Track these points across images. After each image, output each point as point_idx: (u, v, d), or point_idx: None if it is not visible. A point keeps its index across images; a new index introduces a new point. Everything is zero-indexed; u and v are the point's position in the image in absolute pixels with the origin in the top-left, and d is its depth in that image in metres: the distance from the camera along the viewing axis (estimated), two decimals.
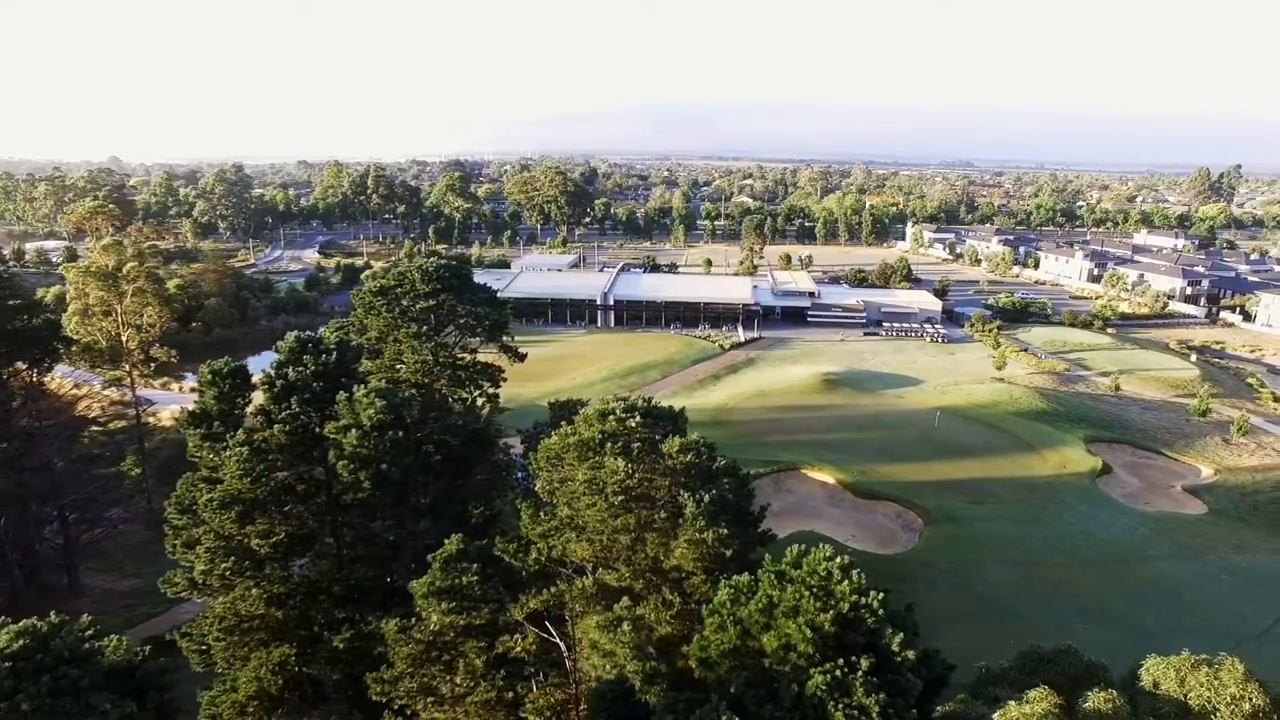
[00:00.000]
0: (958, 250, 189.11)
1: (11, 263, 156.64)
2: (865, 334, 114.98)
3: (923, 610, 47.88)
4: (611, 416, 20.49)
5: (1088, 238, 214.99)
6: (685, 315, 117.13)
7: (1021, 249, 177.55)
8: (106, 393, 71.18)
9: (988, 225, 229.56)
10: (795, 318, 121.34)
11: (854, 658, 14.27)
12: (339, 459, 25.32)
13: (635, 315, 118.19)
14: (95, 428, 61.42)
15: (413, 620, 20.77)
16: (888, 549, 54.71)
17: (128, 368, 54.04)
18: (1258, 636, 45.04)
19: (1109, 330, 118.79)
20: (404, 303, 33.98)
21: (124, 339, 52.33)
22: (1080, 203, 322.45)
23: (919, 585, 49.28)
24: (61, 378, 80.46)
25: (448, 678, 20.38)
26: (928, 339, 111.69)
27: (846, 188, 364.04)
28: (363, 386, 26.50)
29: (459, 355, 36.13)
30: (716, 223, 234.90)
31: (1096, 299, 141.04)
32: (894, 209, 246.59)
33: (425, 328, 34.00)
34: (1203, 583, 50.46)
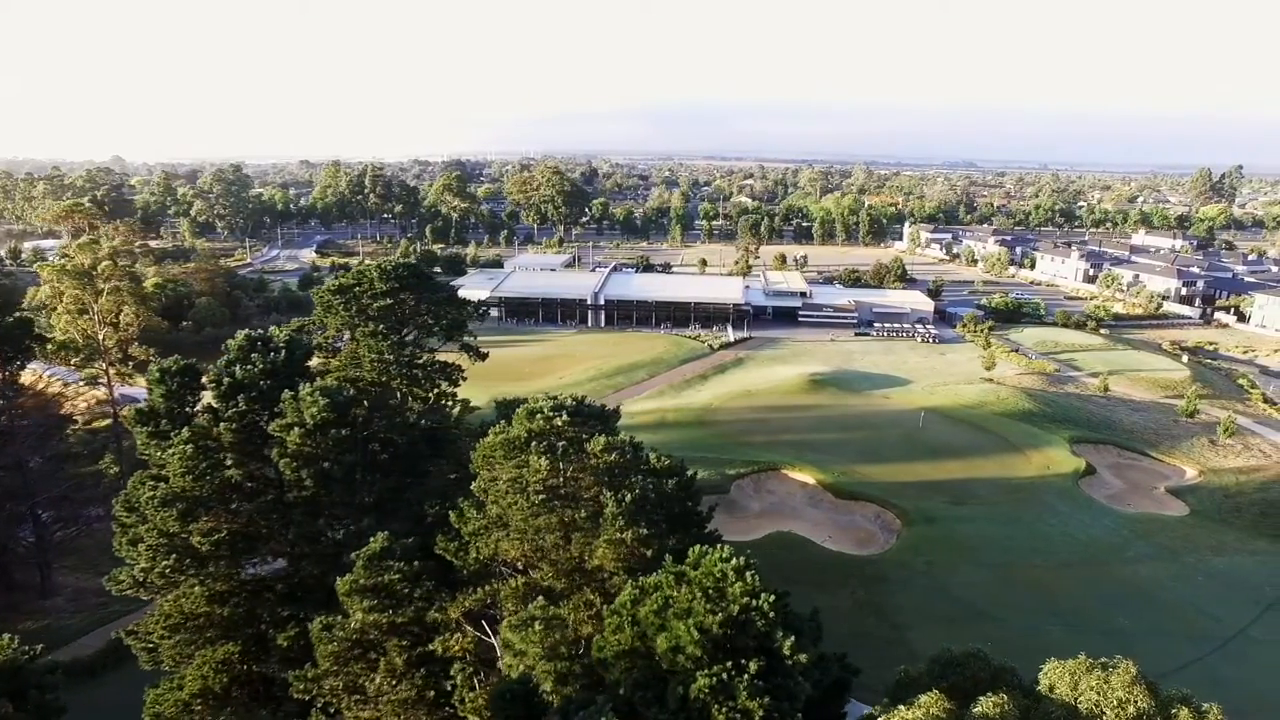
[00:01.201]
0: (954, 250, 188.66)
1: (7, 262, 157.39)
2: (856, 334, 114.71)
3: (894, 611, 48.25)
4: (539, 415, 20.37)
5: (1086, 238, 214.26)
6: (676, 315, 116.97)
7: (1018, 249, 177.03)
8: (94, 392, 71.34)
9: (985, 226, 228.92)
10: (787, 318, 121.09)
11: (743, 661, 14.11)
12: (282, 457, 25.23)
13: (626, 315, 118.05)
14: (75, 426, 61.58)
15: (337, 618, 20.70)
16: (864, 550, 54.46)
17: (104, 365, 54.09)
18: (1231, 639, 44.82)
19: (1102, 331, 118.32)
20: (362, 301, 33.98)
21: (100, 337, 52.34)
22: (1081, 203, 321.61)
23: (893, 586, 49.18)
24: (50, 377, 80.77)
25: (371, 676, 20.29)
26: (919, 339, 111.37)
27: (847, 188, 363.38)
28: (308, 384, 26.40)
29: (416, 354, 36.04)
30: (714, 223, 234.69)
31: (1091, 299, 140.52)
32: (892, 209, 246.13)
33: (382, 326, 33.98)
34: (1179, 585, 50.16)
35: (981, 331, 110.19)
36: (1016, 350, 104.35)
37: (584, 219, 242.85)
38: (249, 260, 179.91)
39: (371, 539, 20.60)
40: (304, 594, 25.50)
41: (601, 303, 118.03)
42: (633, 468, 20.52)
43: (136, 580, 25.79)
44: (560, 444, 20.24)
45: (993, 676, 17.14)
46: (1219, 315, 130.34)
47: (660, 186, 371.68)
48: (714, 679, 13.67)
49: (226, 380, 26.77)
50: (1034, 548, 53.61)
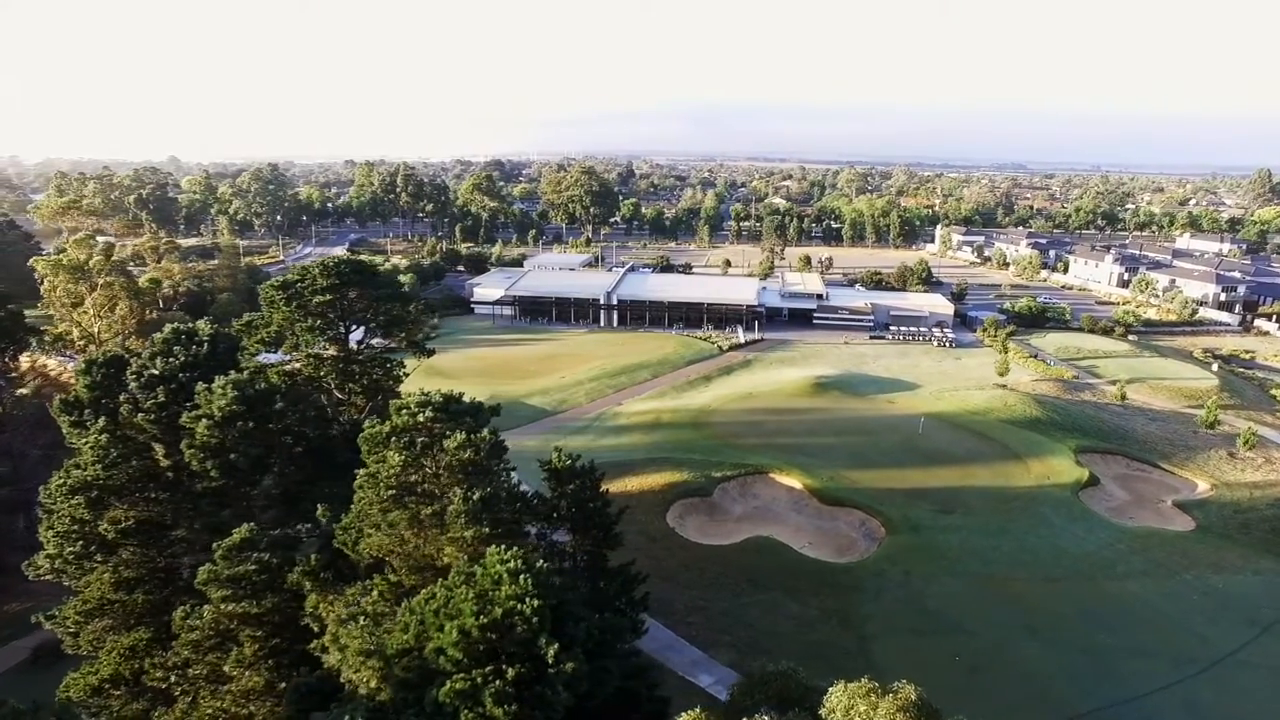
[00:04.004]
0: (985, 254, 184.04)
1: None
2: (871, 337, 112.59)
3: (861, 622, 47.05)
4: (404, 410, 20.20)
5: (1127, 242, 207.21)
6: (689, 316, 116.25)
7: (1052, 253, 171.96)
8: None
9: (1021, 229, 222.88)
10: (802, 320, 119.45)
11: (503, 666, 13.69)
12: (189, 447, 25.50)
13: (639, 315, 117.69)
14: None
15: (199, 607, 20.84)
16: (843, 557, 53.22)
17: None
18: (1218, 661, 42.67)
19: (1130, 337, 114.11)
20: (303, 297, 34.28)
21: (96, 331, 53.90)
22: (1129, 206, 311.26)
23: (865, 596, 47.94)
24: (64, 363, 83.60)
25: (225, 666, 20.38)
26: (935, 343, 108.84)
27: (886, 190, 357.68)
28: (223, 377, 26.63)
29: (354, 350, 36.27)
30: (744, 224, 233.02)
31: (1123, 304, 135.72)
32: (926, 211, 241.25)
33: (320, 322, 34.25)
34: (1171, 603, 47.95)
35: (1000, 336, 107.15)
36: (1035, 356, 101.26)
37: (613, 219, 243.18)
38: (281, 257, 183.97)
39: (235, 530, 20.69)
40: None
41: (614, 303, 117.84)
42: (486, 466, 20.20)
43: (52, 566, 26.32)
44: (420, 440, 20.05)
45: (802, 694, 16.37)
46: (1259, 322, 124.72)
47: (695, 187, 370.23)
48: (467, 683, 13.29)
49: (146, 373, 27.11)
50: (1019, 560, 51.80)
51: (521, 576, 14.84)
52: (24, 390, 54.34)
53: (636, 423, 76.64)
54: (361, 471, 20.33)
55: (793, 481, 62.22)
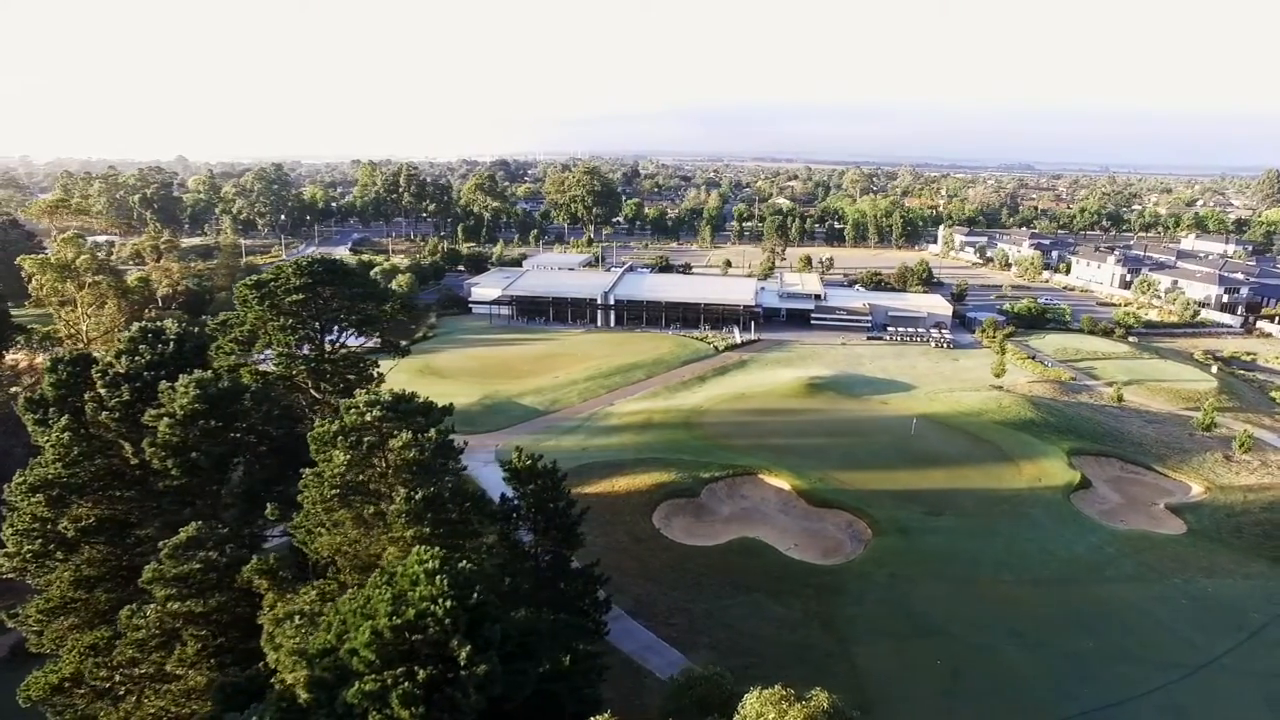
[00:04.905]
0: (988, 254, 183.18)
1: None
2: (869, 338, 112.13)
3: (844, 624, 46.72)
4: (353, 409, 20.07)
5: (1132, 243, 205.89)
6: (686, 316, 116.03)
7: (1054, 253, 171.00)
8: None
9: (1024, 229, 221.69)
10: (800, 320, 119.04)
11: (415, 667, 13.53)
12: (151, 445, 25.45)
13: (636, 315, 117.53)
14: None
15: (144, 606, 20.77)
16: (829, 559, 52.91)
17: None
18: (1202, 666, 42.23)
19: (1130, 339, 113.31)
20: (276, 295, 34.21)
21: (84, 330, 54.05)
22: (1136, 206, 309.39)
23: (849, 598, 47.62)
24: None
25: (168, 665, 20.28)
26: (933, 344, 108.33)
27: (891, 190, 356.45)
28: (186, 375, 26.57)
29: (328, 349, 36.20)
30: (746, 224, 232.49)
31: (1124, 306, 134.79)
32: (930, 211, 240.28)
33: (293, 320, 34.19)
34: (1158, 607, 47.49)
35: (997, 337, 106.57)
36: (1033, 357, 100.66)
37: (615, 219, 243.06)
38: (283, 257, 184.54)
39: (183, 529, 20.61)
40: None
41: (611, 303, 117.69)
42: (430, 465, 20.04)
43: (12, 564, 26.31)
44: (367, 439, 19.93)
45: (726, 699, 16.17)
46: (1262, 324, 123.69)
47: (700, 188, 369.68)
48: (377, 684, 13.16)
49: (111, 371, 27.08)
50: (1005, 563, 51.40)
51: (438, 577, 14.69)
52: (17, 389, 54.53)
53: (628, 423, 76.45)
54: (308, 471, 20.26)
55: (781, 483, 61.95)
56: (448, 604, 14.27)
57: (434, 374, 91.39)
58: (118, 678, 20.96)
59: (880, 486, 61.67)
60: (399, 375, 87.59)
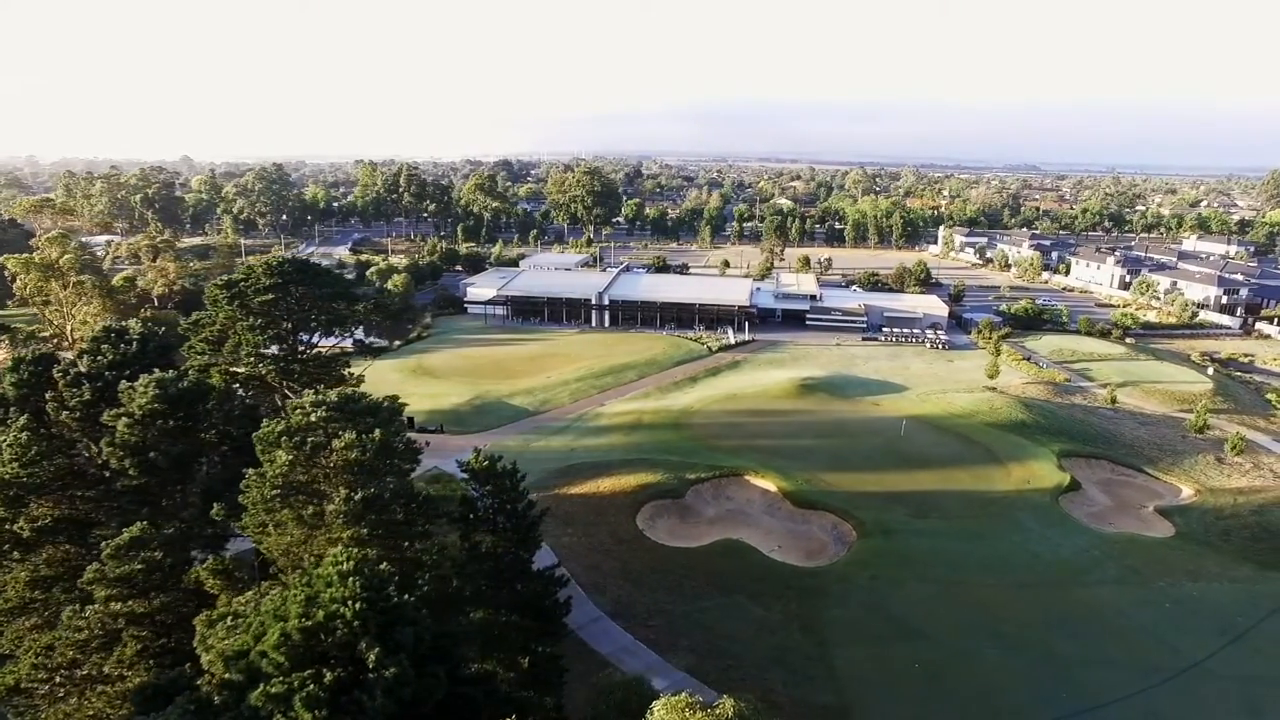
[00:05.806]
0: (988, 255, 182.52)
1: None
2: (864, 339, 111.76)
3: (824, 627, 46.45)
4: (299, 409, 19.96)
5: (1133, 244, 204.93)
6: (680, 316, 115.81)
7: (1055, 254, 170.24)
8: None
9: (1025, 230, 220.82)
10: (795, 321, 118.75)
11: (322, 670, 13.38)
12: (109, 445, 25.38)
13: (631, 316, 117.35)
14: None
15: (85, 606, 20.67)
16: (811, 561, 52.64)
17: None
18: (1184, 671, 41.86)
19: (1127, 340, 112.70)
20: (246, 295, 34.12)
21: (69, 329, 54.07)
22: (1139, 207, 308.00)
23: (830, 601, 47.35)
24: None
25: (106, 666, 20.18)
26: (928, 345, 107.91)
27: (894, 190, 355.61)
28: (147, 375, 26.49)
29: (299, 349, 36.13)
30: (747, 224, 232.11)
31: (1123, 307, 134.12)
32: (930, 212, 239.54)
33: (263, 320, 34.09)
34: (1142, 611, 47.11)
35: (992, 338, 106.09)
36: (1028, 359, 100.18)
37: (615, 219, 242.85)
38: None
39: (126, 529, 20.51)
40: None
41: (606, 303, 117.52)
42: (373, 465, 19.89)
43: None
44: (311, 439, 19.81)
45: (642, 707, 15.96)
46: (1260, 325, 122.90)
47: (702, 188, 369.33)
48: (283, 687, 13.02)
49: (72, 371, 27.02)
50: (989, 565, 51.07)
51: (351, 579, 14.55)
52: None
53: (617, 423, 76.28)
54: (252, 471, 20.16)
55: (767, 484, 61.69)
56: (358, 606, 14.13)
57: (426, 374, 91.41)
58: (58, 679, 20.90)
59: (867, 488, 61.37)
60: (392, 375, 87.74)
